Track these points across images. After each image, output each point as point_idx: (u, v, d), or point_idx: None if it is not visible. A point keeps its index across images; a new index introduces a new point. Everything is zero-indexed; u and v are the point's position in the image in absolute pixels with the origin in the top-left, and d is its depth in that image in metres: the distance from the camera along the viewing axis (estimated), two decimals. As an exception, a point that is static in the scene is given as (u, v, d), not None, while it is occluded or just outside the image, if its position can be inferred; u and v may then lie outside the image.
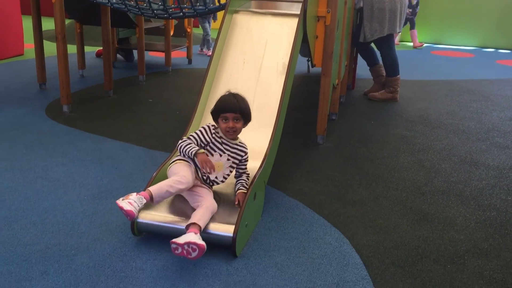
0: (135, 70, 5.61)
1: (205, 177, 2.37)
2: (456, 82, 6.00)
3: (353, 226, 2.46)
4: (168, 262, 2.09)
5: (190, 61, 6.56)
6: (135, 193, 2.14)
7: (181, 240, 1.98)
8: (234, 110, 2.34)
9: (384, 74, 4.97)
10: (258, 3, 3.60)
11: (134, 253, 2.15)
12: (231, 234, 2.11)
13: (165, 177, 2.36)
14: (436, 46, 9.29)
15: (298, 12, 3.03)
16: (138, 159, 3.20)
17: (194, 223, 2.08)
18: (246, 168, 2.48)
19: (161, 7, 3.92)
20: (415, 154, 3.48)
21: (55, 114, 4.06)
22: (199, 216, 2.13)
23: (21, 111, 4.11)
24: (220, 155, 2.37)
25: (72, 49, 5.90)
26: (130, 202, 2.07)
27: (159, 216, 2.24)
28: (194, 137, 2.37)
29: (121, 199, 2.11)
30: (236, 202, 2.34)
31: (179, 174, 2.26)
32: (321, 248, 2.25)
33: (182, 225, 2.15)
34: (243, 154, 2.43)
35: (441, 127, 4.15)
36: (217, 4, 3.79)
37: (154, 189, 2.18)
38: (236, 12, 3.26)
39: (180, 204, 2.34)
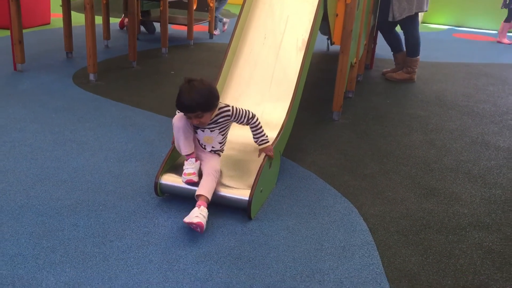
0: (158, 42, 5.75)
1: (204, 148, 2.47)
2: (475, 65, 6.01)
3: (362, 197, 2.59)
4: (188, 221, 2.26)
5: (211, 36, 6.67)
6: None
7: (186, 219, 2.13)
8: (191, 111, 2.26)
9: (417, 68, 4.99)
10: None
11: (157, 211, 2.33)
12: (247, 198, 2.26)
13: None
14: (459, 29, 9.23)
15: (319, -10, 3.12)
16: (160, 127, 3.36)
17: (201, 195, 2.24)
18: (247, 120, 2.41)
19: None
20: (427, 133, 3.58)
21: (81, 82, 4.24)
22: (206, 188, 2.27)
23: (49, 78, 4.29)
24: (203, 130, 2.41)
25: (97, 20, 6.06)
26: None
27: (180, 179, 2.40)
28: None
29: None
30: (259, 156, 2.46)
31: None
32: (331, 215, 2.39)
33: (201, 188, 2.32)
34: (227, 117, 2.38)
35: (455, 108, 4.22)
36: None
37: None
38: (259, -12, 3.35)
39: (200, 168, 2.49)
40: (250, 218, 2.30)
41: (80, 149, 2.94)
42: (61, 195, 2.42)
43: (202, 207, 2.20)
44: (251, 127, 2.46)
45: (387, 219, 2.40)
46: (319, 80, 4.87)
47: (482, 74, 5.54)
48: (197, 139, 2.46)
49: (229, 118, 2.39)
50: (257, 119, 2.44)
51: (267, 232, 2.22)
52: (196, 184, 2.33)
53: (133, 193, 2.48)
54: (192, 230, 2.17)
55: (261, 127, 2.46)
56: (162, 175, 2.40)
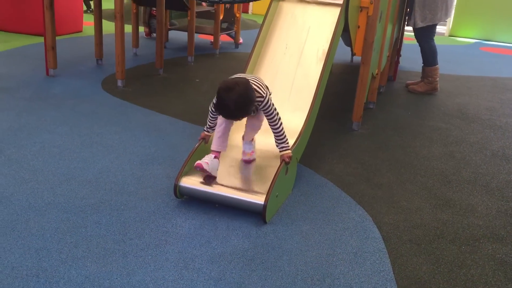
0: (185, 51, 5.89)
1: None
2: (501, 79, 5.97)
3: (377, 206, 2.63)
4: (205, 223, 2.34)
5: (237, 45, 6.79)
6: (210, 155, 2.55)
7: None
8: (231, 119, 2.51)
9: (438, 77, 4.98)
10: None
11: (175, 212, 2.41)
12: (262, 202, 2.33)
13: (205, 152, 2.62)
14: (486, 43, 9.14)
15: (341, 2, 3.19)
16: (183, 132, 3.46)
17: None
18: (269, 117, 2.49)
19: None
20: (447, 146, 3.59)
21: (110, 88, 4.39)
22: (249, 135, 2.69)
23: (79, 83, 4.46)
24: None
25: (127, 28, 6.25)
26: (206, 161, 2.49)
27: (199, 182, 2.48)
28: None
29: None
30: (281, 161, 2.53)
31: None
32: (345, 222, 2.44)
33: (219, 192, 2.41)
34: (258, 104, 2.46)
35: (478, 121, 4.21)
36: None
37: (216, 148, 2.57)
38: (282, 0, 3.44)
39: (219, 173, 2.58)
40: (265, 222, 2.36)
41: (106, 152, 3.05)
42: (86, 194, 2.53)
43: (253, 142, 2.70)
44: (272, 129, 2.52)
45: (401, 228, 2.43)
46: (341, 90, 4.91)
47: (508, 89, 5.49)
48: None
49: (259, 105, 2.48)
50: (278, 122, 2.49)
51: (281, 236, 2.28)
52: (203, 170, 2.47)
53: (154, 194, 2.57)
54: (209, 232, 2.25)
55: (282, 133, 2.51)
56: (181, 178, 2.49)
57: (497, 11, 9.26)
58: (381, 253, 2.20)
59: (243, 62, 5.72)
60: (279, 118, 2.50)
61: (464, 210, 2.65)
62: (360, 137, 3.62)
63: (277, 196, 2.44)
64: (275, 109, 2.50)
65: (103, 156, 2.98)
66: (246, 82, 2.39)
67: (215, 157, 2.55)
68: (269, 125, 2.53)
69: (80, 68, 4.98)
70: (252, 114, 2.59)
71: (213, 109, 2.54)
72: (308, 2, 3.45)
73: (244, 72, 3.11)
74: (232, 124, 2.59)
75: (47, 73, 4.62)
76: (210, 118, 2.63)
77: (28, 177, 2.65)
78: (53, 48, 4.54)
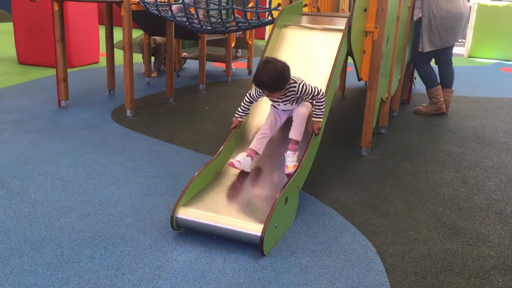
0: (197, 79, 5.92)
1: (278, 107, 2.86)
2: (520, 100, 5.80)
3: (382, 236, 2.52)
4: (201, 256, 2.27)
5: (250, 72, 6.80)
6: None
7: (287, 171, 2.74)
8: (261, 88, 2.70)
9: (442, 97, 4.89)
10: (309, 18, 3.74)
11: (172, 245, 2.36)
12: (259, 234, 2.26)
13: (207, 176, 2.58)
14: (507, 63, 8.96)
15: (343, 27, 3.15)
16: (188, 161, 3.43)
17: (292, 139, 2.76)
18: (311, 97, 2.73)
19: (219, 21, 4.16)
20: (460, 171, 3.47)
21: (119, 118, 4.41)
22: (295, 132, 2.75)
23: (89, 114, 4.50)
24: (279, 104, 2.82)
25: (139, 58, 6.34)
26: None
27: (196, 214, 2.43)
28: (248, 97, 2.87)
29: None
30: (312, 132, 2.77)
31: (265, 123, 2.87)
32: (347, 254, 2.34)
33: (216, 223, 2.35)
34: (293, 92, 2.71)
35: (494, 145, 4.07)
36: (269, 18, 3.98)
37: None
38: (285, 26, 3.42)
39: (217, 204, 2.52)
40: (263, 255, 2.28)
41: (108, 183, 3.04)
42: (83, 227, 2.50)
43: (296, 153, 2.74)
44: (314, 103, 2.76)
45: (406, 259, 2.32)
46: (352, 115, 4.84)
47: (527, 109, 5.33)
48: (278, 111, 2.87)
49: (295, 93, 2.71)
50: (322, 96, 2.73)
51: (279, 269, 2.20)
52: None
53: (152, 226, 2.53)
54: (205, 266, 2.19)
55: (323, 105, 2.75)
56: (178, 209, 2.44)
57: (516, 31, 9.10)
58: (384, 287, 2.09)
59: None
60: (320, 91, 2.72)
61: (475, 239, 2.52)
62: (368, 163, 3.53)
63: (276, 227, 2.37)
64: (313, 87, 2.71)
65: (104, 188, 2.96)
66: (284, 63, 2.64)
67: (247, 156, 2.75)
68: (313, 100, 2.76)
69: (92, 99, 5.03)
70: (289, 100, 2.77)
71: (256, 93, 2.79)
72: (311, 28, 3.42)
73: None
74: (275, 131, 2.86)
75: (59, 105, 4.68)
76: (244, 103, 2.86)
77: (27, 210, 2.64)
78: (65, 80, 4.61)
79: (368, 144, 3.66)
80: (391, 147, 3.90)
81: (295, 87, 2.70)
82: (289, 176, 2.63)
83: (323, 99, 2.75)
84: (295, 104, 2.80)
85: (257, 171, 2.81)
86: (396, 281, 2.14)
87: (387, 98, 4.05)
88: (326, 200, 2.90)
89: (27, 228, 2.46)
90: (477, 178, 3.35)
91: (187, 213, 2.43)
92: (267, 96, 2.77)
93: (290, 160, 2.75)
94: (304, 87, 2.70)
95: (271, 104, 2.90)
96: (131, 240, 2.39)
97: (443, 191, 3.10)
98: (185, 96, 5.37)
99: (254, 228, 2.30)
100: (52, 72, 6.11)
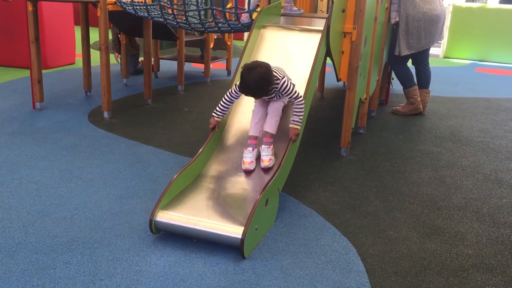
0: (175, 80, 5.86)
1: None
2: (495, 100, 5.90)
3: (362, 236, 2.53)
4: (181, 259, 2.24)
5: (229, 73, 6.77)
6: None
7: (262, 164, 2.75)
8: (249, 95, 2.76)
9: (419, 97, 4.94)
10: (287, 19, 3.74)
11: (151, 249, 2.32)
12: (239, 236, 2.23)
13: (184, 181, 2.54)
14: (482, 63, 9.12)
15: (322, 28, 3.15)
16: (167, 164, 3.39)
17: (267, 132, 2.79)
18: (289, 95, 2.75)
19: (198, 21, 4.12)
20: (438, 170, 3.50)
21: (96, 120, 4.34)
22: (269, 125, 2.80)
23: (65, 116, 4.41)
24: (264, 98, 2.85)
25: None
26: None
27: (175, 217, 2.39)
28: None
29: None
30: (289, 137, 2.77)
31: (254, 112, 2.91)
32: (327, 255, 2.34)
33: (195, 226, 2.32)
34: (277, 87, 2.73)
35: (470, 144, 4.13)
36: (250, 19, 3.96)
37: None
38: (264, 27, 3.41)
39: (197, 207, 2.49)
40: (243, 257, 2.26)
41: (85, 186, 2.98)
42: (59, 232, 2.44)
43: (271, 147, 2.78)
44: (293, 106, 2.78)
45: (386, 259, 2.32)
46: (331, 115, 4.86)
47: (502, 109, 5.42)
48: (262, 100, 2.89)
49: (277, 90, 2.75)
50: (301, 101, 2.75)
51: (260, 272, 2.18)
52: (251, 172, 2.75)
53: (130, 230, 2.48)
54: (184, 270, 2.16)
55: (301, 110, 2.76)
56: (157, 212, 2.40)
57: (491, 32, 9.25)
58: (364, 288, 2.10)
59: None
60: (299, 96, 2.75)
61: (453, 238, 2.55)
62: (348, 164, 3.54)
63: (256, 229, 2.35)
64: (294, 87, 2.75)
65: (81, 191, 2.90)
66: (266, 65, 2.69)
67: (253, 149, 2.79)
68: (291, 103, 2.79)
69: (68, 101, 4.94)
70: (273, 97, 2.82)
71: (236, 90, 2.77)
72: (290, 29, 3.42)
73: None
74: (266, 112, 2.84)
75: (34, 107, 4.58)
76: (224, 102, 2.83)
77: (1, 216, 2.57)
78: (40, 81, 4.52)
79: (348, 144, 3.67)
80: (370, 147, 3.92)
81: (277, 84, 2.73)
82: (265, 170, 2.72)
83: (302, 105, 2.75)
84: (279, 99, 2.86)
85: (237, 173, 2.79)
86: (377, 282, 2.14)
87: (365, 98, 4.08)
88: (306, 201, 2.90)
89: (0, 234, 2.39)
90: (454, 177, 3.39)
91: (166, 216, 2.40)
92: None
93: (265, 154, 2.77)
94: (285, 85, 2.73)
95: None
96: (108, 245, 2.34)
97: (422, 191, 3.13)
98: (163, 97, 5.32)
99: (234, 231, 2.28)
100: (26, 73, 5.97)
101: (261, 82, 2.64)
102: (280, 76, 2.74)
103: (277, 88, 2.73)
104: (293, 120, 2.77)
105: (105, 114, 4.38)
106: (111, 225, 2.53)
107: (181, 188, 2.62)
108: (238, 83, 2.75)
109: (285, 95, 2.76)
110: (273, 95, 2.80)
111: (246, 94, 2.76)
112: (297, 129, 2.76)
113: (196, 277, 2.12)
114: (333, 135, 4.07)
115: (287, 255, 2.32)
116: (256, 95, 2.76)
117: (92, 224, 2.53)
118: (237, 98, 2.85)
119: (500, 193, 3.15)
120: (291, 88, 2.73)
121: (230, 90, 2.82)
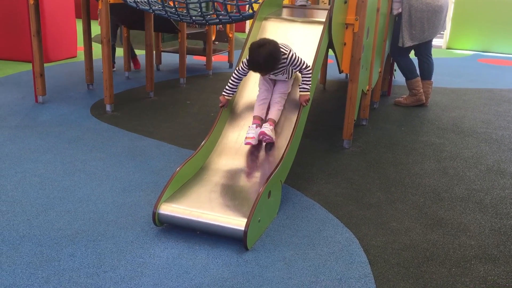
0: (177, 73, 5.85)
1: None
2: (497, 91, 5.88)
3: (365, 227, 2.54)
4: (184, 251, 2.25)
5: (231, 65, 6.76)
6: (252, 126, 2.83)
7: (262, 132, 2.77)
8: (257, 70, 2.84)
9: (421, 88, 4.93)
10: (289, 10, 3.73)
11: (154, 241, 2.33)
12: (242, 228, 2.24)
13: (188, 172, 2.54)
14: (484, 54, 9.08)
15: (324, 20, 3.14)
16: (169, 157, 3.39)
17: (270, 118, 2.87)
18: (298, 66, 2.85)
19: (199, 13, 4.11)
20: (440, 161, 3.50)
21: (98, 113, 4.34)
22: (273, 113, 2.89)
23: (68, 109, 4.42)
24: (269, 75, 2.93)
25: (120, 52, 6.25)
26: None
27: (178, 209, 2.40)
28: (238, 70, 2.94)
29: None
30: (300, 103, 2.88)
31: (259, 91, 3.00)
32: (330, 246, 2.34)
33: (199, 218, 2.33)
34: (284, 63, 2.81)
35: (473, 135, 4.12)
36: (250, 11, 3.94)
37: (257, 113, 2.89)
38: (266, 19, 3.40)
39: (200, 199, 2.50)
40: (246, 249, 2.27)
41: (88, 179, 2.99)
42: (63, 225, 2.45)
43: (272, 126, 2.82)
44: (302, 76, 2.89)
45: (389, 250, 2.33)
46: (334, 107, 4.85)
47: (505, 100, 5.40)
48: (267, 78, 2.97)
49: (285, 64, 2.82)
50: (309, 70, 2.86)
51: (263, 263, 2.19)
52: (254, 147, 2.83)
53: (133, 223, 2.49)
54: (188, 262, 2.17)
55: (309, 79, 2.87)
56: (161, 205, 2.41)
57: (494, 22, 9.20)
58: (367, 279, 2.10)
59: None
60: (307, 66, 2.86)
61: (456, 229, 2.55)
62: (350, 156, 3.54)
63: (259, 221, 2.36)
64: (302, 60, 2.84)
65: (84, 184, 2.91)
66: (275, 43, 2.76)
67: (257, 127, 2.82)
68: (300, 72, 2.90)
69: (70, 94, 4.94)
70: (280, 71, 2.87)
71: (244, 67, 2.87)
72: (292, 21, 3.40)
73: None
74: (270, 96, 2.94)
75: (36, 101, 4.58)
76: (233, 80, 2.92)
77: (5, 209, 2.59)
78: (42, 74, 4.52)
79: (350, 136, 3.67)
80: (372, 139, 3.92)
81: (285, 57, 2.81)
82: (263, 134, 2.78)
83: (310, 73, 2.87)
84: (285, 74, 2.92)
85: (240, 165, 2.79)
86: (380, 273, 2.15)
87: (368, 90, 4.07)
88: (309, 193, 2.90)
89: (5, 227, 2.40)
90: (457, 168, 3.39)
91: (169, 209, 2.41)
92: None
93: (266, 127, 2.83)
94: (294, 57, 2.82)
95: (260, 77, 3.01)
96: (112, 237, 2.35)
97: (424, 182, 3.13)
98: (165, 90, 5.31)
99: (237, 223, 2.29)
100: (28, 67, 5.97)
101: (269, 59, 2.73)
102: (287, 51, 2.82)
103: (285, 63, 2.81)
104: (303, 88, 2.88)
105: (108, 107, 4.38)
106: (115, 217, 2.54)
107: (184, 181, 2.62)
108: (245, 59, 2.85)
109: (294, 67, 2.85)
110: (280, 71, 2.86)
111: (254, 71, 2.85)
112: (307, 94, 2.87)
113: (199, 269, 2.13)
114: (336, 127, 4.07)
115: (290, 246, 2.33)
116: (264, 71, 2.83)
117: (96, 216, 2.54)
118: (245, 75, 2.95)
119: (503, 184, 3.15)
120: (299, 60, 2.84)
121: (237, 68, 2.92)
